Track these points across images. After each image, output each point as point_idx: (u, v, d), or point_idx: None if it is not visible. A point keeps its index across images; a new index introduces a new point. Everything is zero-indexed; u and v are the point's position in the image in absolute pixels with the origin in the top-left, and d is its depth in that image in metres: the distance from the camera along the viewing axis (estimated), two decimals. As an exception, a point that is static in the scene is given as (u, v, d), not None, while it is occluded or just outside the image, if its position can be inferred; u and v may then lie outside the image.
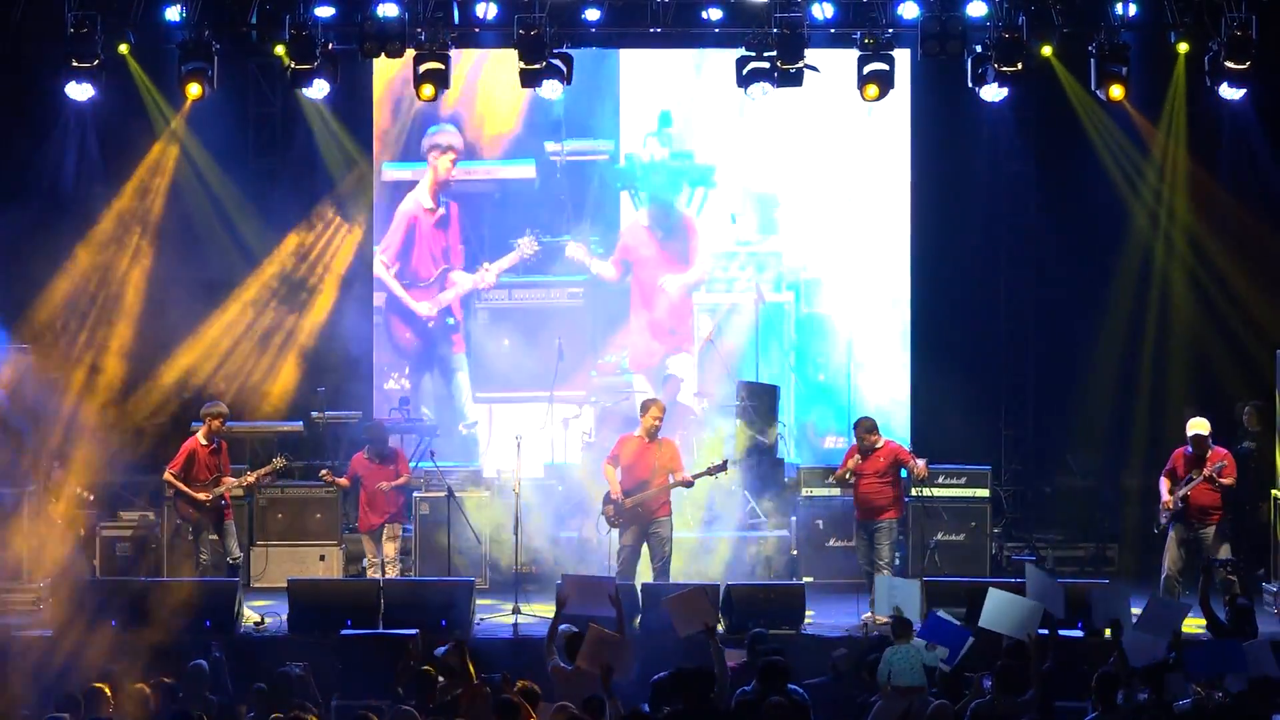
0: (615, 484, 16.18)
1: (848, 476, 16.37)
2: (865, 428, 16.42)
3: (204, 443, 16.55)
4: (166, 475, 16.59)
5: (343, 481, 17.18)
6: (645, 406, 16.39)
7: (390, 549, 16.93)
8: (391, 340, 20.10)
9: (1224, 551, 15.83)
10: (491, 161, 20.09)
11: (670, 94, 20.07)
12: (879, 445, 16.32)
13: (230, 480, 16.53)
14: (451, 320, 20.13)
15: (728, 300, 19.97)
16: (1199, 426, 16.05)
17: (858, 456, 16.31)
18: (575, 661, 12.29)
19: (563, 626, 13.26)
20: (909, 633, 13.11)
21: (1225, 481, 15.89)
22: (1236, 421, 18.13)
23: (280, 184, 19.61)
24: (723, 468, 16.63)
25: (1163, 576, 16.00)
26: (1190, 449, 16.05)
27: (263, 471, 16.89)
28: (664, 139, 20.10)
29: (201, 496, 16.38)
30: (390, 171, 20.09)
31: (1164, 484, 16.06)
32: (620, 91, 20.05)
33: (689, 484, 16.44)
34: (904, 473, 16.41)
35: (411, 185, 20.04)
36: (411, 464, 17.65)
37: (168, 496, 17.46)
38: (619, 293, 20.14)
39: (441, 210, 20.05)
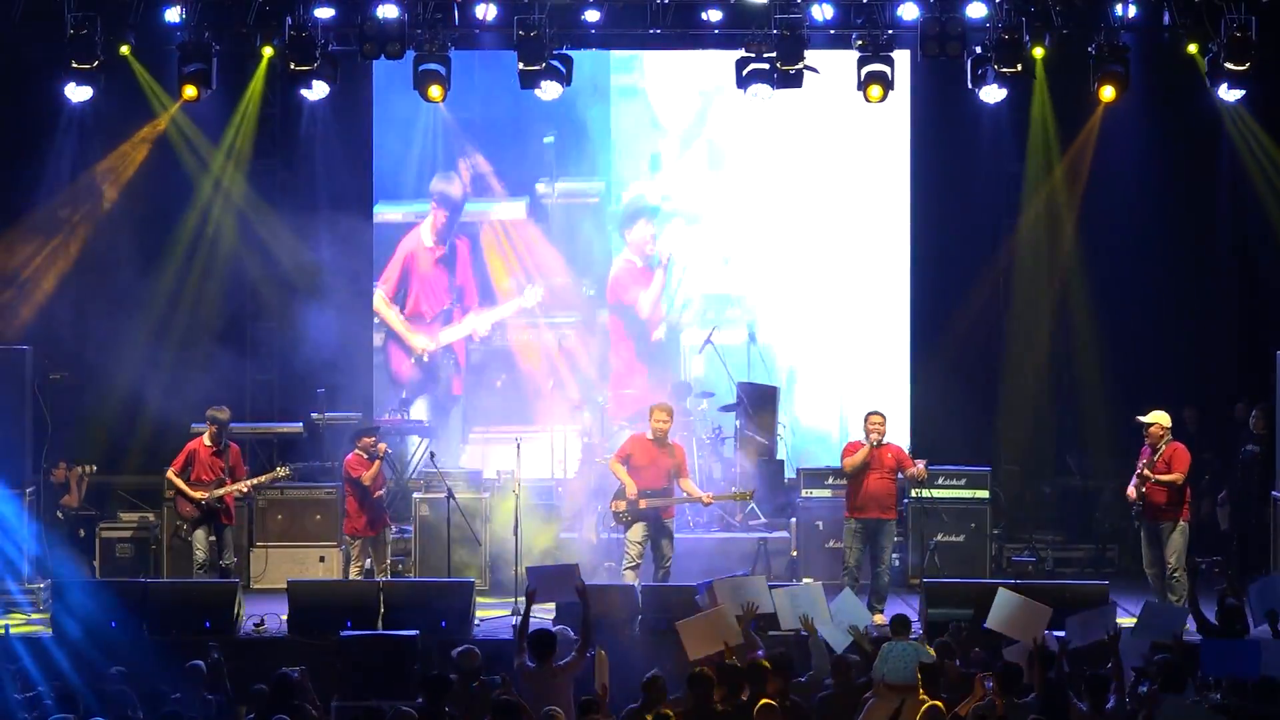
0: (629, 481, 16.14)
1: (870, 451, 16.16)
2: (883, 416, 16.30)
3: (207, 444, 16.51)
4: (168, 474, 16.58)
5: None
6: (650, 411, 16.34)
7: (387, 552, 16.93)
8: (389, 370, 20.13)
9: (1175, 549, 15.74)
10: (483, 202, 20.12)
11: (666, 124, 20.14)
12: (885, 441, 16.29)
13: (230, 485, 16.48)
14: (449, 359, 20.18)
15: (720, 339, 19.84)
16: (1149, 418, 15.96)
17: (875, 442, 16.17)
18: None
19: (560, 627, 13.31)
20: (907, 630, 13.11)
21: (1164, 478, 15.74)
22: (1239, 422, 18.15)
23: (279, 185, 19.60)
24: (746, 497, 17.08)
25: (1146, 572, 16.03)
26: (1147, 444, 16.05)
27: (263, 479, 16.85)
28: (654, 182, 20.13)
29: (199, 496, 16.35)
30: (383, 211, 20.11)
31: (1135, 479, 16.08)
32: (612, 132, 20.07)
33: (707, 503, 16.65)
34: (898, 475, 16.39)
35: (403, 226, 20.11)
36: (409, 468, 17.70)
37: (167, 497, 17.48)
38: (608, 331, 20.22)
39: (443, 249, 20.08)
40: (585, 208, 20.15)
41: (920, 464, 16.36)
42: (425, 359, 20.12)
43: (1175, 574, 15.70)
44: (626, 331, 20.22)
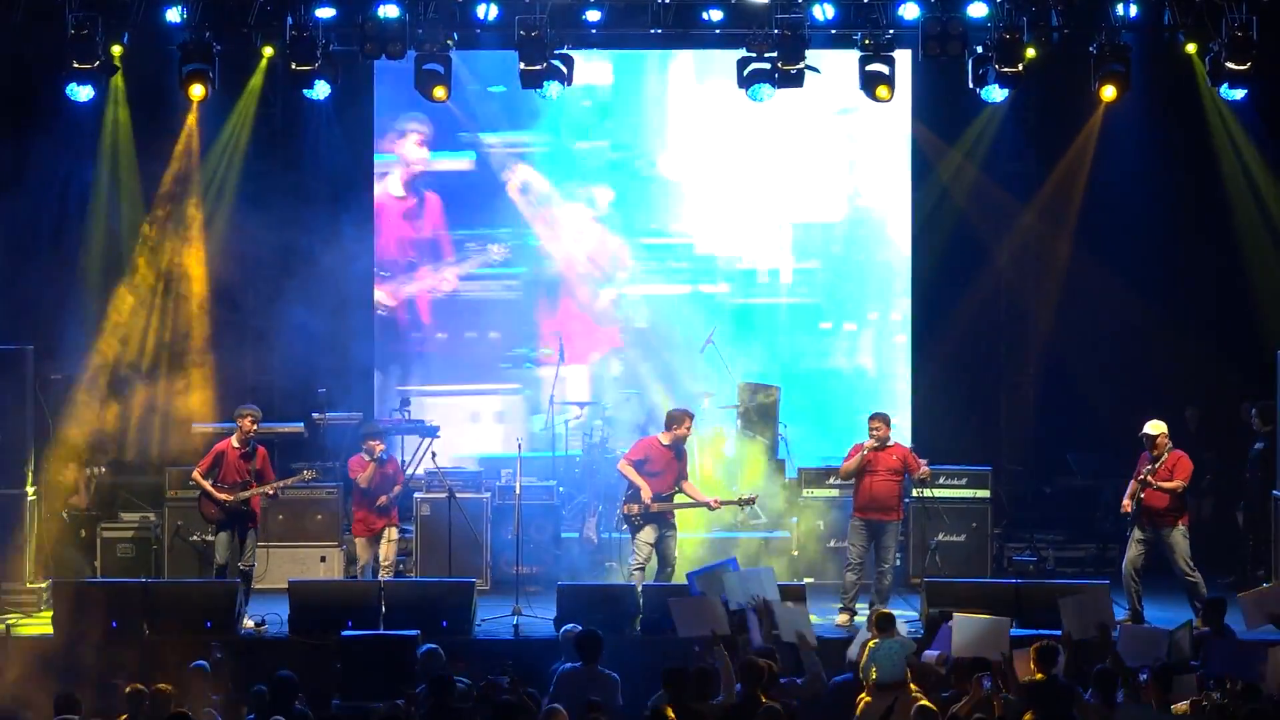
0: (644, 485, 16.12)
1: (864, 455, 16.16)
2: (884, 419, 16.35)
3: (235, 445, 16.40)
4: (194, 475, 16.48)
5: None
6: (679, 418, 16.26)
7: (390, 551, 16.92)
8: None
9: (1182, 554, 15.82)
10: (432, 154, 20.09)
11: (672, 94, 20.13)
12: (890, 443, 16.29)
13: (256, 487, 16.41)
14: (407, 316, 20.20)
15: (657, 291, 19.99)
16: (1149, 428, 16.03)
17: (871, 446, 16.20)
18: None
19: (568, 626, 13.28)
20: (891, 628, 13.07)
21: (1165, 485, 15.81)
22: (1243, 421, 18.16)
23: (278, 184, 19.59)
24: (750, 502, 16.84)
25: (1122, 574, 16.07)
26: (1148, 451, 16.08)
27: (289, 482, 16.79)
28: (604, 133, 20.12)
29: (224, 498, 16.29)
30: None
31: (1131, 486, 16.07)
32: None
33: (714, 508, 16.57)
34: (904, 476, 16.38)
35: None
36: (410, 468, 17.71)
37: (169, 496, 17.50)
38: (556, 285, 20.21)
39: (413, 200, 20.05)
40: (532, 160, 20.07)
41: (923, 464, 16.38)
42: (383, 313, 20.11)
43: (1189, 577, 15.76)
44: (575, 283, 20.22)
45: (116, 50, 17.09)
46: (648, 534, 16.14)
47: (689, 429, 16.28)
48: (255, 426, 16.46)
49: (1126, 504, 16.02)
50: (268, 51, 17.50)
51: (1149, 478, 15.80)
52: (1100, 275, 19.41)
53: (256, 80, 18.75)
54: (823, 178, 20.00)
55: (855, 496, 16.41)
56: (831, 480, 17.80)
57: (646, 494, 16.06)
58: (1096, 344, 19.42)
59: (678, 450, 16.27)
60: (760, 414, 18.59)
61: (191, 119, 18.82)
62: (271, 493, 16.60)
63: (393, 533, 16.96)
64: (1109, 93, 17.02)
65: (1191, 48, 17.43)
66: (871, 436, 16.23)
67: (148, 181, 18.91)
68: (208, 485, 16.28)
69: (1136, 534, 16.01)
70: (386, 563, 16.81)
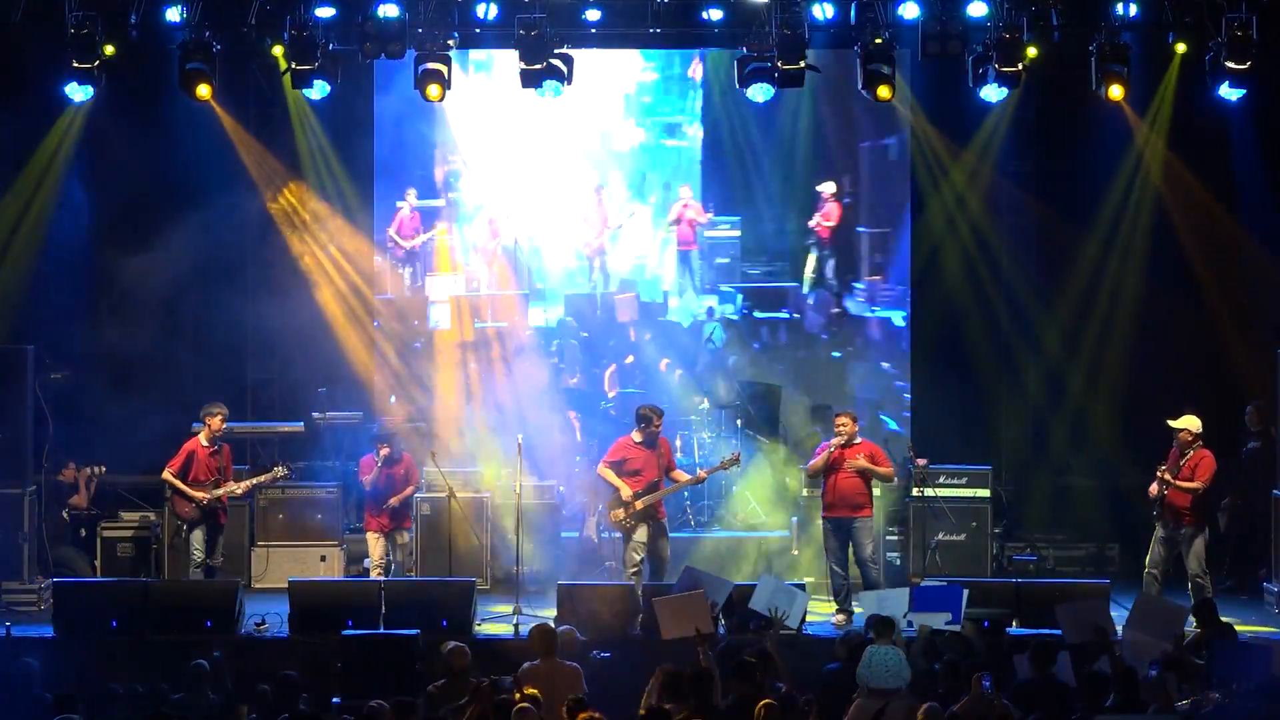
0: (623, 486, 16.15)
1: (830, 453, 16.21)
2: (852, 417, 16.43)
3: (205, 444, 16.57)
4: (165, 474, 16.60)
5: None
6: (648, 416, 16.31)
7: (402, 555, 17.01)
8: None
9: (1197, 554, 15.86)
10: None
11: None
12: (858, 440, 16.31)
13: (230, 485, 16.53)
14: None
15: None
16: (1178, 423, 16.08)
17: (838, 444, 16.23)
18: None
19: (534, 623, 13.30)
20: (889, 633, 12.98)
21: (1185, 485, 15.85)
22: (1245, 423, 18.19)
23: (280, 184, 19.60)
24: (735, 461, 16.74)
25: (1144, 572, 16.10)
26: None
27: (261, 479, 16.92)
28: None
29: (199, 496, 16.39)
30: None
31: (1157, 480, 16.12)
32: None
33: (701, 481, 16.54)
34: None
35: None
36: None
37: (167, 496, 17.51)
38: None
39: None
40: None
41: (892, 464, 16.51)
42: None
43: (1199, 579, 15.79)
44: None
45: (109, 49, 17.04)
46: (641, 534, 16.16)
47: (659, 426, 16.29)
48: (224, 425, 16.57)
49: (1153, 489, 16.05)
50: (278, 50, 17.38)
51: (1167, 476, 15.82)
52: (1099, 274, 19.40)
53: (288, 80, 18.63)
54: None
55: (822, 496, 16.48)
56: (807, 470, 17.71)
57: (627, 492, 16.09)
58: (1097, 342, 19.40)
59: (652, 444, 16.27)
60: (761, 414, 18.58)
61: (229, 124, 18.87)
62: (245, 490, 16.73)
63: (404, 536, 17.03)
64: (1115, 92, 16.97)
65: (1181, 47, 17.39)
66: (837, 433, 16.29)
67: (140, 179, 18.84)
68: (181, 484, 16.42)
69: (1159, 532, 16.07)
70: (396, 562, 16.87)
